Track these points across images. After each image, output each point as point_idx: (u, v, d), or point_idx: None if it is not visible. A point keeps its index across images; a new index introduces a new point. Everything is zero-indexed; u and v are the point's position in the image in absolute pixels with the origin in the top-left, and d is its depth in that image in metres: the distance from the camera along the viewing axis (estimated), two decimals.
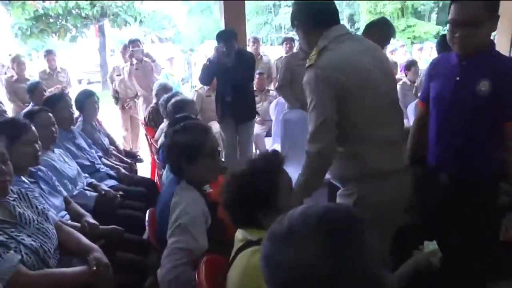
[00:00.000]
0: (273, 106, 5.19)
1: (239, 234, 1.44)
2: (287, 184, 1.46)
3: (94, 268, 1.68)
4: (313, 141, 1.71)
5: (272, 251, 0.80)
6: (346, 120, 1.72)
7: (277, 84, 4.09)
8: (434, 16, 31.97)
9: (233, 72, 3.81)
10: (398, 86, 5.09)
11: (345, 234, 0.77)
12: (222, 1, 4.53)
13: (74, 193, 2.55)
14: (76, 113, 3.60)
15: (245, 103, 4.03)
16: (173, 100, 3.19)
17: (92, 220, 2.19)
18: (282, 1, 27.90)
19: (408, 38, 26.31)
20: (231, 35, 3.86)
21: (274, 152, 1.52)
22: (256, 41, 6.19)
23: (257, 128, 5.21)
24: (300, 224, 0.79)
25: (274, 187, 1.39)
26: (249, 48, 5.86)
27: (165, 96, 3.69)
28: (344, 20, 27.93)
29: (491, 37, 1.86)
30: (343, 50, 1.74)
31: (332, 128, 1.70)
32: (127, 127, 5.85)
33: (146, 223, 1.97)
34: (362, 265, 0.76)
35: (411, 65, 5.76)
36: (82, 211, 2.31)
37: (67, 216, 2.25)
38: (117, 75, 5.77)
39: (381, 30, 3.03)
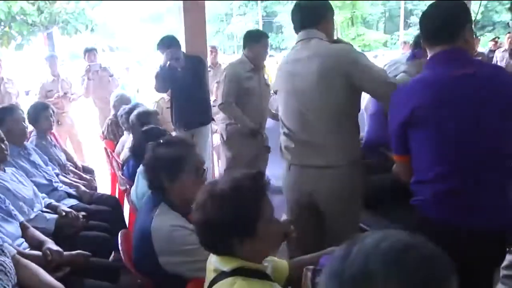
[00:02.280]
0: None
1: (211, 265, 1.29)
2: (270, 210, 1.27)
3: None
4: None
5: None
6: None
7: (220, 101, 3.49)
8: (381, 25, 33.29)
9: (183, 77, 3.73)
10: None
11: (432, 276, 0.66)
12: (182, 8, 4.38)
13: (31, 217, 2.31)
14: (29, 127, 3.33)
15: (198, 107, 3.90)
16: (136, 112, 3.01)
17: (54, 247, 1.97)
18: (234, 10, 28.03)
19: (359, 46, 27.24)
20: (174, 40, 3.81)
21: (260, 173, 1.32)
22: (214, 49, 6.08)
23: (218, 139, 5.10)
24: (378, 262, 0.65)
25: (257, 212, 1.21)
26: (208, 57, 5.77)
27: (125, 107, 3.50)
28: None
29: None
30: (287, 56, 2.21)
31: None
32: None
33: (120, 246, 1.79)
34: None
35: None
36: (42, 237, 2.09)
37: (25, 244, 2.03)
38: (48, 91, 5.19)
39: None
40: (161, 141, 1.74)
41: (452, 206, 1.54)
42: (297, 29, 2.09)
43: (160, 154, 1.68)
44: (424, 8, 1.68)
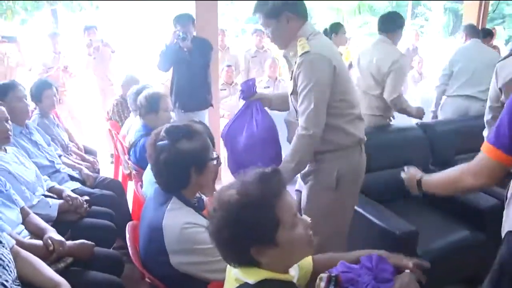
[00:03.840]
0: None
1: (231, 273, 1.15)
2: (291, 212, 1.10)
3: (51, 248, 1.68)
4: (308, 124, 1.87)
5: None
6: (333, 99, 1.93)
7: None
8: None
9: (188, 58, 3.65)
10: None
11: None
12: None
13: (34, 203, 2.17)
14: (31, 105, 3.19)
15: (198, 90, 3.80)
16: (145, 93, 2.85)
17: (57, 236, 1.85)
18: None
19: (365, 34, 26.87)
20: (188, 19, 3.70)
21: (274, 171, 1.14)
22: (222, 32, 5.88)
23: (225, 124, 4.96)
24: None
25: (272, 220, 1.06)
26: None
27: (135, 88, 3.35)
28: None
29: None
30: (325, 40, 2.03)
31: (325, 110, 1.91)
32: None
33: (127, 241, 1.66)
34: None
35: None
36: (44, 224, 1.97)
37: (25, 232, 1.90)
38: (49, 68, 5.07)
39: None
40: (180, 133, 1.57)
41: None
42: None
43: (186, 148, 1.53)
44: None
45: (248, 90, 2.20)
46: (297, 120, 1.98)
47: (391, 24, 3.21)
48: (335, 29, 4.24)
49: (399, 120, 3.52)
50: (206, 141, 1.59)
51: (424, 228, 2.43)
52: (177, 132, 1.56)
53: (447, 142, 3.35)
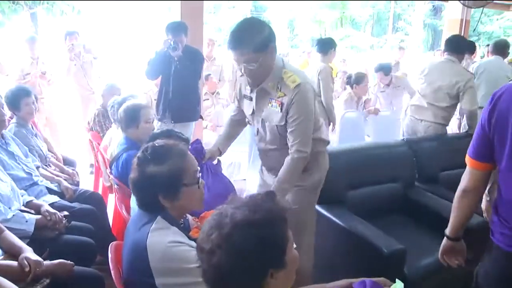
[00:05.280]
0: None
1: None
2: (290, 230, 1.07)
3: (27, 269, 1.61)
4: (304, 148, 2.05)
5: None
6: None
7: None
8: (368, 28, 33.39)
9: (178, 67, 3.60)
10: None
11: None
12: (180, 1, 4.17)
13: (8, 217, 2.06)
14: (7, 114, 3.06)
15: (189, 102, 3.75)
16: (125, 106, 2.74)
17: (33, 256, 1.74)
18: (223, 2, 27.67)
19: (346, 47, 27.23)
20: (180, 28, 3.64)
21: (271, 192, 1.13)
22: (211, 42, 5.83)
23: (209, 136, 4.90)
24: None
25: (283, 240, 1.01)
26: (205, 49, 5.56)
27: (117, 98, 3.25)
28: (284, 25, 28.29)
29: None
30: (292, 64, 2.19)
31: None
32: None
33: (109, 260, 1.58)
34: None
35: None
36: (19, 243, 1.85)
37: None
38: (26, 74, 4.85)
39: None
40: (148, 156, 1.46)
41: None
42: None
43: (152, 172, 1.44)
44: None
45: (198, 154, 2.13)
46: (275, 146, 2.17)
47: (459, 47, 3.75)
48: (334, 45, 4.59)
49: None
50: (177, 165, 1.47)
51: (411, 245, 2.41)
52: (147, 153, 1.47)
53: (433, 158, 3.37)
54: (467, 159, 1.58)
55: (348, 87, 5.38)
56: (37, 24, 9.92)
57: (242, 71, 1.98)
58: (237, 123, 2.46)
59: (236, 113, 2.43)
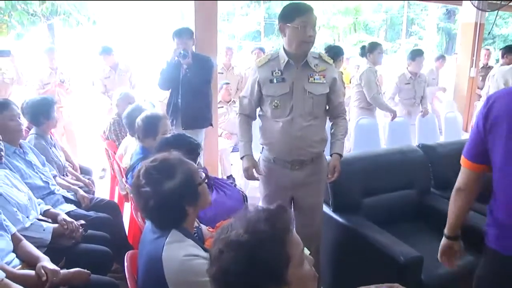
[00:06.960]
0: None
1: None
2: (299, 246, 1.06)
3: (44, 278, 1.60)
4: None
5: None
6: None
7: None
8: (382, 33, 33.25)
9: (188, 74, 3.64)
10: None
11: None
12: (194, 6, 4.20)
13: (26, 226, 2.09)
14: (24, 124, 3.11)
15: (199, 108, 3.76)
16: (143, 115, 2.78)
17: (50, 265, 1.77)
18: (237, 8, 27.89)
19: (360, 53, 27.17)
20: (187, 33, 3.70)
21: (281, 207, 1.10)
22: (229, 51, 5.84)
23: (223, 143, 4.92)
24: None
25: (285, 255, 1.02)
26: (222, 58, 5.62)
27: (129, 108, 3.29)
28: None
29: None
30: None
31: None
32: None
33: (125, 269, 1.59)
34: None
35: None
36: (37, 252, 1.88)
37: (16, 260, 1.81)
38: (45, 84, 5.00)
39: None
40: (160, 175, 1.48)
41: None
42: None
43: (171, 188, 1.46)
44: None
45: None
46: (312, 117, 2.34)
47: None
48: (342, 53, 4.68)
49: None
50: (187, 170, 1.52)
51: (428, 252, 2.37)
52: (155, 175, 1.48)
53: (448, 164, 3.31)
54: (462, 159, 1.62)
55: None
56: (54, 35, 10.13)
57: (309, 36, 2.22)
58: (251, 122, 2.56)
59: (249, 111, 2.48)
